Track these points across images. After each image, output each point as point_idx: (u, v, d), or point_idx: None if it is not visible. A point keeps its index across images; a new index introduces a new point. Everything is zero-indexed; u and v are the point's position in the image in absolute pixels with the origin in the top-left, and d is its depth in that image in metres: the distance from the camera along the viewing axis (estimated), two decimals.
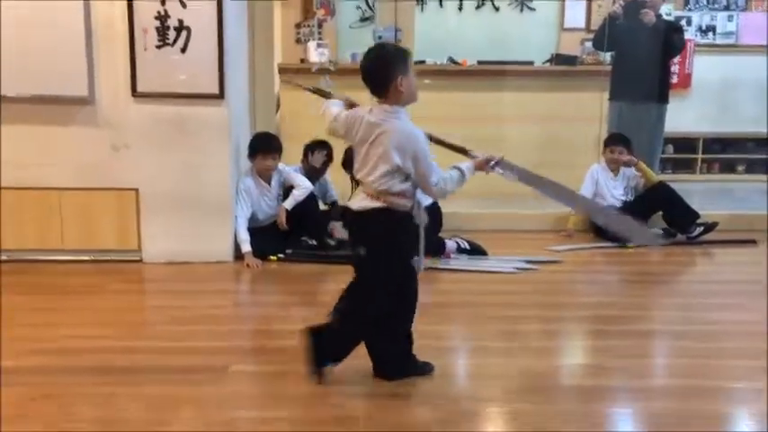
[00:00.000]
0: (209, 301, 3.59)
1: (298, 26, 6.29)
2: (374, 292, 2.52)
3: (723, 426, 2.35)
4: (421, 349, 2.67)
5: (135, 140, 4.11)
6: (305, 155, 4.76)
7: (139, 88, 4.02)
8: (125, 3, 3.93)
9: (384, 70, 2.40)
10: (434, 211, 4.62)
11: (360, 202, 2.47)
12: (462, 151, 2.68)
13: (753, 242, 4.88)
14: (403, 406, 2.44)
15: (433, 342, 2.87)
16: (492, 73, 6.11)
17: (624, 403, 2.50)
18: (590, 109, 5.75)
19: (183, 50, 3.98)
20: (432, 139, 2.60)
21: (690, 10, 7.53)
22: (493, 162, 2.60)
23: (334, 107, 2.64)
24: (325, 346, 2.55)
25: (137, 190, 4.16)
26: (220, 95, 4.06)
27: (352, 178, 4.53)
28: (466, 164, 2.59)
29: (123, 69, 4.02)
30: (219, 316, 3.39)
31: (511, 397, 2.45)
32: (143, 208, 4.17)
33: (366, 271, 2.52)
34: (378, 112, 2.43)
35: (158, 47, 3.98)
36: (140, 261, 4.20)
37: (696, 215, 4.91)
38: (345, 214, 2.60)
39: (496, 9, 7.34)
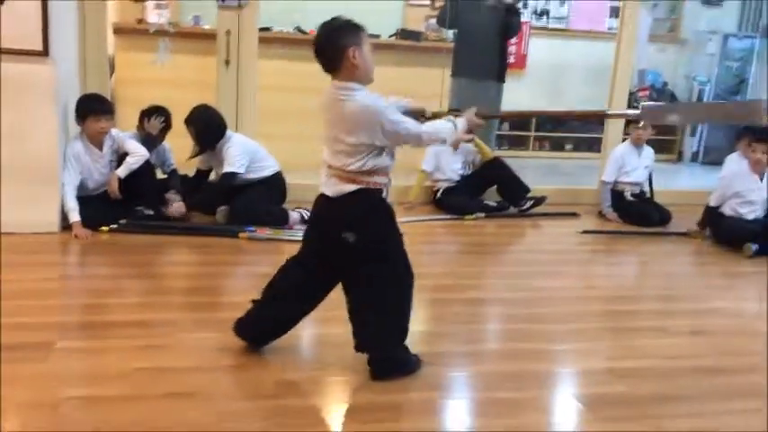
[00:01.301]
0: (34, 275, 3.34)
1: None
2: (390, 273, 2.39)
3: (550, 385, 2.53)
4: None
5: None
6: (141, 121, 4.52)
7: None
8: None
9: (335, 43, 2.26)
10: (278, 181, 4.59)
11: (333, 186, 2.32)
12: (419, 113, 2.58)
13: (575, 215, 5.26)
14: (242, 378, 2.42)
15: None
16: None
17: (458, 367, 2.61)
18: (432, 85, 5.90)
19: (1, 1, 3.63)
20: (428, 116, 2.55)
21: None
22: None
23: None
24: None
25: None
26: (45, 52, 3.75)
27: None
28: (460, 120, 2.49)
29: None
30: (45, 290, 3.17)
31: (349, 365, 2.49)
32: None
33: (365, 257, 2.36)
34: (333, 90, 2.29)
35: None
36: None
37: (527, 189, 5.22)
38: (317, 201, 2.39)
39: None
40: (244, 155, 4.41)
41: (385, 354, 2.44)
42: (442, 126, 2.44)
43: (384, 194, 2.38)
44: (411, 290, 2.45)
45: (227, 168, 4.37)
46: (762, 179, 4.63)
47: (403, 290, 2.43)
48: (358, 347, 2.43)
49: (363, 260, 2.37)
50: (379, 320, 2.40)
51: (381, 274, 2.38)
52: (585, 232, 4.80)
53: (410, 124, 2.34)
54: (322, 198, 2.38)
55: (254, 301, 2.55)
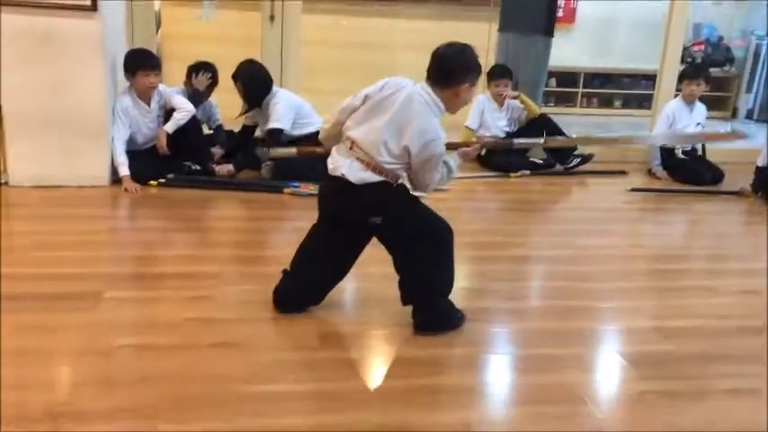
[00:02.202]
0: (82, 227, 3.42)
1: None
2: (428, 232, 2.40)
3: (593, 342, 2.51)
4: None
5: None
6: (188, 77, 4.56)
7: None
8: None
9: (460, 70, 2.32)
10: None
11: (357, 172, 2.29)
12: (463, 145, 2.69)
13: (623, 173, 5.15)
14: (284, 330, 2.45)
15: None
16: None
17: (501, 324, 2.61)
18: (478, 39, 5.76)
19: None
20: None
21: None
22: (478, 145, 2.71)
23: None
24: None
25: None
26: (93, 7, 3.78)
27: None
28: (453, 156, 2.51)
29: None
30: (94, 242, 3.24)
31: (393, 319, 2.50)
32: (7, 128, 3.88)
33: (397, 230, 2.39)
34: (425, 96, 2.30)
35: None
36: (5, 184, 3.93)
37: (574, 147, 5.12)
38: (328, 177, 2.37)
39: None
40: (289, 111, 4.41)
41: (430, 307, 2.45)
42: (444, 174, 2.45)
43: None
44: (451, 244, 2.44)
45: (273, 124, 4.37)
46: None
47: (444, 245, 2.43)
48: (404, 301, 2.45)
49: (396, 232, 2.39)
50: (423, 275, 2.41)
51: (419, 236, 2.39)
52: (634, 190, 4.71)
53: (432, 176, 2.38)
54: (341, 182, 2.31)
55: (284, 272, 2.57)
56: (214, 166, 4.42)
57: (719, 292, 3.04)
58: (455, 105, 2.38)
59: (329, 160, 2.40)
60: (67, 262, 2.93)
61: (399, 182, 2.38)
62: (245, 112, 4.57)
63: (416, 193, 2.45)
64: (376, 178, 2.31)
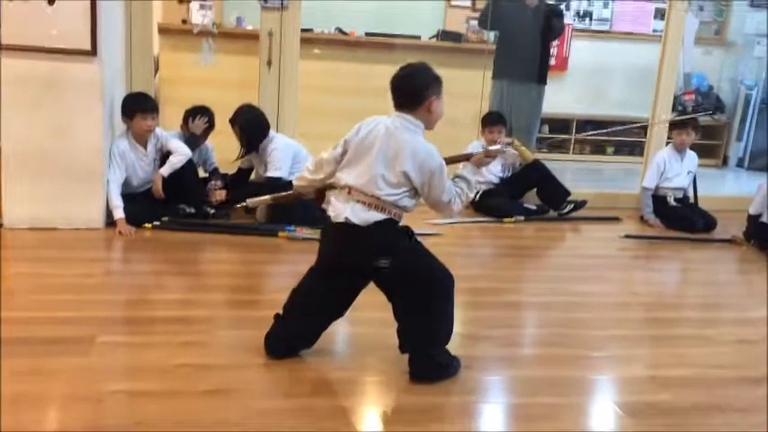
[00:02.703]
0: (77, 270, 3.40)
1: None
2: (432, 280, 2.41)
3: (589, 391, 2.49)
4: None
5: None
6: (185, 120, 4.59)
7: (3, 41, 3.72)
8: None
9: (422, 86, 2.36)
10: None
11: (360, 213, 2.30)
12: (464, 158, 2.63)
13: (617, 219, 5.18)
14: (278, 377, 2.43)
15: None
16: (379, 45, 6.12)
17: (496, 371, 2.59)
18: (472, 86, 5.87)
19: (51, 2, 3.71)
20: None
21: None
22: (492, 150, 2.65)
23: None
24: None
25: None
26: (93, 52, 3.83)
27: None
28: (467, 170, 2.54)
29: None
30: (88, 285, 3.23)
31: (388, 367, 2.49)
32: (4, 169, 3.89)
33: (402, 275, 2.38)
34: (400, 121, 2.34)
35: None
36: (0, 226, 3.92)
37: (567, 193, 5.16)
38: (331, 225, 2.36)
39: None
40: (287, 158, 4.44)
41: (427, 355, 2.43)
42: (464, 189, 2.47)
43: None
44: (452, 292, 2.44)
45: (272, 173, 4.39)
46: None
47: (447, 294, 2.43)
48: (403, 349, 2.44)
49: (400, 277, 2.38)
50: (424, 324, 2.41)
51: (423, 283, 2.40)
52: (628, 237, 4.73)
53: (449, 195, 2.40)
54: (344, 227, 2.32)
55: (276, 316, 2.56)
56: (211, 187, 4.46)
57: (715, 341, 3.04)
58: (431, 121, 2.40)
59: (330, 209, 2.40)
60: (62, 305, 2.91)
61: (402, 222, 2.39)
62: (242, 157, 4.60)
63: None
64: (380, 216, 2.31)
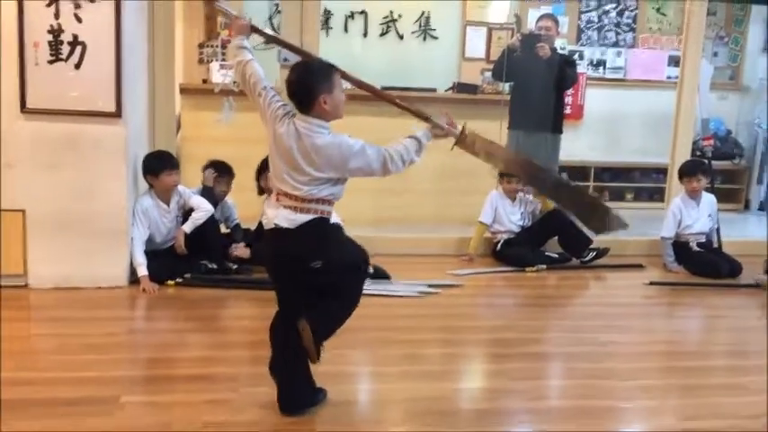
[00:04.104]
0: (101, 329, 3.42)
1: (201, 46, 6.17)
2: (347, 299, 2.50)
3: None
4: (325, 375, 2.64)
5: (23, 159, 3.89)
6: (203, 173, 4.66)
7: (29, 104, 3.82)
8: (15, 15, 3.74)
9: (308, 87, 2.38)
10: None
11: (289, 217, 2.39)
12: (422, 117, 2.66)
13: (640, 266, 5.13)
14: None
15: (335, 367, 2.85)
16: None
17: (522, 425, 2.55)
18: (489, 136, 5.88)
19: (78, 66, 3.81)
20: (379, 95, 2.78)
21: (582, 45, 7.90)
22: (455, 130, 2.68)
23: (248, 54, 2.61)
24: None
25: (23, 211, 3.93)
26: (117, 114, 3.91)
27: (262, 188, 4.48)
28: (422, 131, 2.60)
29: (12, 84, 3.81)
30: (112, 344, 3.24)
31: (412, 421, 2.45)
32: (30, 230, 3.95)
33: (330, 281, 2.47)
34: (302, 124, 2.39)
35: (50, 62, 3.80)
36: (26, 287, 3.96)
37: (589, 240, 5.11)
38: (265, 232, 2.48)
39: (401, 37, 7.44)
40: None
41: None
42: (408, 148, 2.53)
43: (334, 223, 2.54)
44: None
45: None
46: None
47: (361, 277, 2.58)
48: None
49: (332, 277, 2.46)
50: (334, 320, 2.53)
51: (345, 273, 2.49)
52: (653, 284, 4.67)
53: (375, 159, 2.44)
54: (276, 232, 2.41)
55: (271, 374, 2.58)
56: (232, 251, 4.49)
57: (747, 389, 2.97)
58: (331, 114, 2.42)
59: (263, 219, 2.53)
60: (85, 365, 2.92)
61: (328, 216, 2.44)
62: None
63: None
64: (307, 217, 2.39)
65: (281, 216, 2.40)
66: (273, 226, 2.41)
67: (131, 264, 4.10)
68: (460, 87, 6.58)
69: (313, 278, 2.45)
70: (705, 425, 2.59)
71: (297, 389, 2.53)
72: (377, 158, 2.44)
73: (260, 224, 4.74)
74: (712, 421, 2.62)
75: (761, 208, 7.98)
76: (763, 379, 3.08)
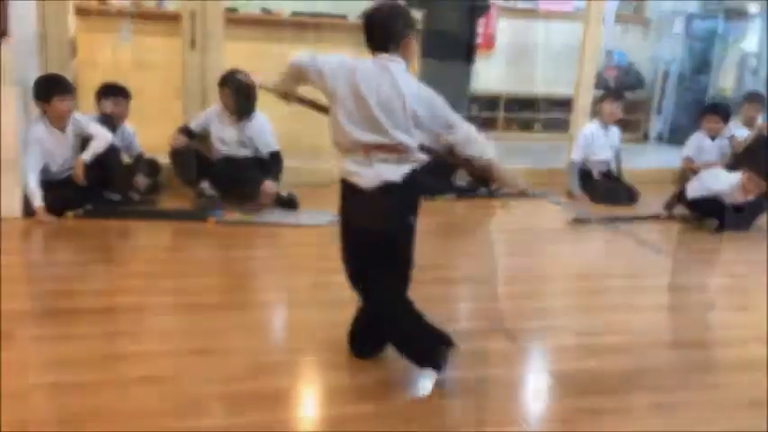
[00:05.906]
0: None
1: None
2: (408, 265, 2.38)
3: (519, 360, 2.54)
4: (234, 304, 2.61)
5: None
6: (98, 101, 4.43)
7: None
8: None
9: (401, 25, 2.25)
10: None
11: (388, 170, 2.19)
12: (324, 111, 2.38)
13: (542, 195, 5.26)
14: (211, 362, 2.39)
15: (245, 296, 2.83)
16: (306, 25, 6.03)
17: None
18: None
19: None
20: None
21: None
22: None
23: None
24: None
25: None
26: (3, 32, 3.64)
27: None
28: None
29: None
30: (6, 277, 3.08)
31: (322, 347, 2.47)
32: None
33: (398, 245, 2.31)
34: (387, 62, 2.21)
35: None
36: None
37: None
38: (365, 193, 2.21)
39: None
40: (272, 132, 4.50)
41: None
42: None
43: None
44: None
45: (273, 147, 4.50)
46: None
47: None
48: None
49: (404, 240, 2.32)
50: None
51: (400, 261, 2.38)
52: (576, 221, 4.73)
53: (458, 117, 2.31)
54: (381, 187, 2.20)
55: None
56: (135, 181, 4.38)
57: (638, 308, 3.14)
58: (409, 61, 2.30)
59: (347, 175, 2.25)
60: None
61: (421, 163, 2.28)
62: (239, 121, 4.46)
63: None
64: (407, 168, 2.22)
65: (383, 171, 2.19)
66: (380, 183, 2.18)
67: (26, 194, 3.90)
68: None
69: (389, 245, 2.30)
70: (600, 340, 2.73)
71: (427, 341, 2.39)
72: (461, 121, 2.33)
73: (185, 127, 4.53)
74: (605, 337, 2.76)
75: (659, 138, 8.34)
76: (656, 297, 3.27)
